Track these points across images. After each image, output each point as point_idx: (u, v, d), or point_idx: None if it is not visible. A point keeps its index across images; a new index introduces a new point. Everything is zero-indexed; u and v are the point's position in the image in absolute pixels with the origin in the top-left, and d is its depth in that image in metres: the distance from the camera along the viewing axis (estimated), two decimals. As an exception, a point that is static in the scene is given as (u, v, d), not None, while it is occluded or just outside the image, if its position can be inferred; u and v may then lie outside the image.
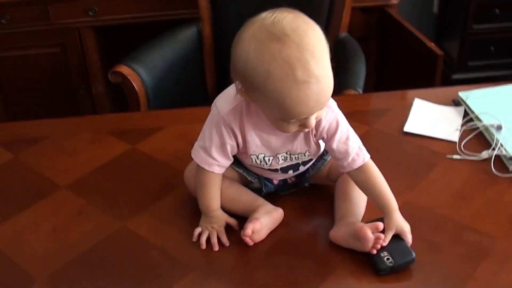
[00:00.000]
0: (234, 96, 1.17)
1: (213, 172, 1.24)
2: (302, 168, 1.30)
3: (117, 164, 1.49)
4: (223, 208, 1.28)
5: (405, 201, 1.32)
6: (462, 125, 1.56)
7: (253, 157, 1.25)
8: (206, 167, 1.23)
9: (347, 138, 1.21)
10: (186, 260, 1.20)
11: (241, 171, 1.32)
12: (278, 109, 1.06)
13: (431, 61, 2.26)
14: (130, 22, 2.59)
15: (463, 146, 1.48)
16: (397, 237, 1.18)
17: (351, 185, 1.27)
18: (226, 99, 1.19)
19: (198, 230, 1.25)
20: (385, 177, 1.34)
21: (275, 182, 1.34)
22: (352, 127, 1.47)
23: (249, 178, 1.32)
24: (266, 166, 1.27)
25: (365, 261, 1.16)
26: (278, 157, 1.24)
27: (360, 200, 1.27)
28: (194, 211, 1.30)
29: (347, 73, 2.04)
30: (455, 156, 1.45)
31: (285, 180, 1.34)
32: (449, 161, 1.45)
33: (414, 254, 1.16)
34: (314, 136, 1.22)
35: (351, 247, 1.19)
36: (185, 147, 1.38)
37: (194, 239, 1.24)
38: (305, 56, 1.00)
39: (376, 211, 1.22)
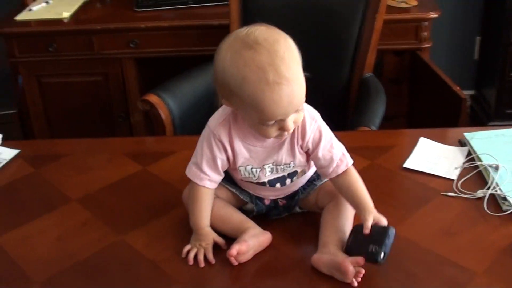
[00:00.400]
0: (222, 112, 1.28)
1: (204, 187, 1.31)
2: (288, 182, 1.35)
3: (126, 183, 1.59)
4: (214, 228, 1.35)
5: (392, 233, 1.35)
6: (464, 165, 1.58)
7: (242, 168, 1.32)
8: (198, 181, 1.31)
9: (331, 146, 1.29)
10: (173, 274, 1.27)
11: (234, 190, 1.39)
12: (256, 112, 1.15)
13: (456, 104, 2.29)
14: (168, 55, 2.72)
15: (460, 184, 1.51)
16: (375, 227, 1.25)
17: (336, 214, 1.32)
18: (216, 117, 1.29)
19: (187, 247, 1.32)
20: (377, 208, 1.39)
21: (267, 202, 1.39)
22: (354, 161, 1.55)
23: (241, 197, 1.39)
24: (254, 179, 1.33)
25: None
26: (265, 169, 1.31)
27: (344, 229, 1.31)
28: (188, 230, 1.37)
29: (365, 111, 2.10)
30: (450, 194, 1.48)
31: (276, 202, 1.40)
32: (443, 198, 1.48)
33: (393, 228, 1.24)
34: (301, 147, 1.29)
35: (331, 275, 1.23)
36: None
37: (183, 255, 1.31)
38: (275, 61, 1.11)
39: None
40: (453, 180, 1.53)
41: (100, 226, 1.43)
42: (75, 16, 2.77)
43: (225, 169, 1.33)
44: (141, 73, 2.81)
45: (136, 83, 2.78)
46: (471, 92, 3.52)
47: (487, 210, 1.42)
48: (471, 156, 1.61)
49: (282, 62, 1.11)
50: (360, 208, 1.28)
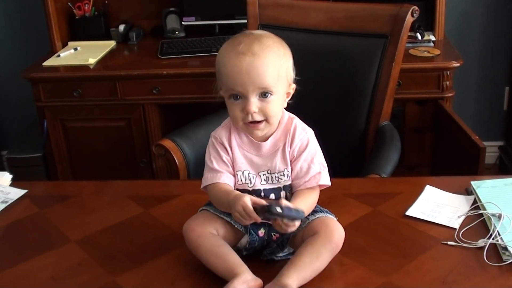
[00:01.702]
0: (224, 122, 1.40)
1: (224, 183, 1.36)
2: (283, 195, 1.37)
3: (126, 225, 1.60)
4: (207, 265, 1.34)
5: (386, 281, 1.33)
6: (467, 213, 1.55)
7: (239, 173, 1.36)
8: (217, 180, 1.36)
9: (312, 160, 1.36)
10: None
11: (229, 220, 1.38)
12: (221, 80, 1.30)
13: (475, 153, 2.26)
14: (191, 102, 2.76)
15: (462, 233, 1.48)
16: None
17: (308, 250, 1.31)
18: (218, 127, 1.41)
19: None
20: (373, 255, 1.39)
21: (260, 234, 1.39)
22: (355, 207, 1.58)
23: (236, 226, 1.38)
24: (250, 186, 1.36)
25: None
26: (261, 176, 1.35)
27: (309, 266, 1.29)
28: (179, 274, 1.38)
29: (377, 158, 2.07)
30: (450, 242, 1.45)
31: (269, 236, 1.39)
32: (443, 247, 1.44)
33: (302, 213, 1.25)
34: (289, 153, 1.34)
35: None
36: (192, 213, 1.46)
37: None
38: (253, 41, 1.27)
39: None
40: (455, 229, 1.50)
41: (94, 267, 1.43)
42: (101, 62, 2.85)
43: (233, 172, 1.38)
44: (164, 119, 2.86)
45: (159, 128, 2.82)
46: (500, 143, 3.46)
47: (487, 260, 1.38)
48: (476, 205, 1.58)
49: (260, 44, 1.27)
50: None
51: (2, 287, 1.38)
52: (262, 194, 1.37)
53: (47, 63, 2.82)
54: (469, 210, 1.57)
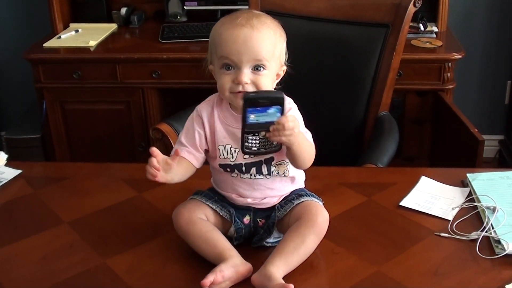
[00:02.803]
0: (210, 96, 1.41)
1: (183, 157, 1.36)
2: (264, 170, 1.36)
3: (119, 208, 1.59)
4: (198, 251, 1.34)
5: (376, 271, 1.33)
6: (461, 205, 1.54)
7: (221, 147, 1.36)
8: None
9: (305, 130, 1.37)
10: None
11: (214, 207, 1.39)
12: (215, 51, 1.31)
13: (473, 146, 2.25)
14: (190, 87, 2.75)
15: (456, 225, 1.47)
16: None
17: (293, 236, 1.31)
18: (203, 101, 1.41)
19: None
20: (365, 245, 1.39)
21: (246, 221, 1.39)
22: (350, 197, 1.59)
23: (221, 214, 1.38)
24: (232, 160, 1.35)
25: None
26: None
27: (295, 252, 1.29)
28: (170, 257, 1.38)
29: (374, 148, 2.07)
30: (443, 234, 1.44)
31: (255, 222, 1.39)
32: (436, 238, 1.44)
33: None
34: None
35: None
36: (185, 198, 1.45)
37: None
38: (251, 16, 1.29)
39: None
40: (449, 220, 1.49)
41: (86, 248, 1.43)
42: (102, 45, 2.84)
43: (203, 149, 1.38)
44: (163, 103, 2.85)
45: (158, 113, 2.82)
46: (500, 137, 3.45)
47: (479, 253, 1.37)
48: (471, 197, 1.57)
49: (257, 19, 1.29)
50: None
51: (-5, 264, 1.39)
52: (243, 168, 1.37)
53: (47, 44, 2.81)
54: (463, 202, 1.56)
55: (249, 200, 1.39)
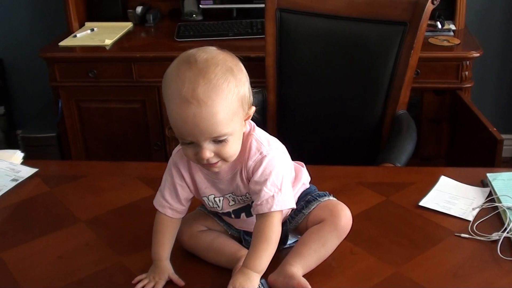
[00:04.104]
0: None
1: (165, 215, 1.31)
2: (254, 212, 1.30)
3: (136, 206, 1.59)
4: (210, 260, 1.33)
5: (395, 272, 1.31)
6: (482, 206, 1.52)
7: (205, 199, 1.30)
8: (160, 209, 1.31)
9: (265, 183, 1.20)
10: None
11: (222, 224, 1.38)
12: (171, 122, 1.15)
13: (493, 145, 2.22)
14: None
15: (476, 226, 1.45)
16: None
17: (313, 238, 1.28)
18: (178, 146, 1.28)
19: (143, 275, 1.29)
20: (384, 245, 1.36)
21: None
22: (368, 196, 1.53)
23: (230, 232, 1.37)
24: (219, 209, 1.31)
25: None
26: (227, 197, 1.28)
27: (314, 254, 1.27)
28: (187, 257, 1.37)
29: (392, 148, 2.05)
30: (463, 235, 1.42)
31: None
32: (456, 239, 1.42)
33: None
34: (245, 177, 1.24)
35: None
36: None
37: (133, 282, 1.28)
38: (198, 80, 1.10)
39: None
40: (469, 221, 1.47)
41: (102, 247, 1.43)
42: (118, 43, 2.83)
43: (189, 199, 1.32)
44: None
45: (173, 112, 2.80)
46: (519, 136, 3.41)
47: (501, 254, 1.35)
48: (491, 197, 1.55)
49: (205, 83, 1.10)
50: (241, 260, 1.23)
51: (10, 264, 1.38)
52: (233, 216, 1.32)
53: (63, 43, 2.81)
54: (484, 203, 1.54)
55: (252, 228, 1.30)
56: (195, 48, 1.17)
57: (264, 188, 1.20)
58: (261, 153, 1.21)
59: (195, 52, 1.15)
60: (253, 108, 1.21)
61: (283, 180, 1.22)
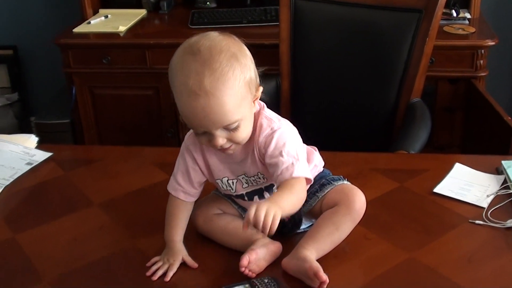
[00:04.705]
0: None
1: (178, 198, 1.31)
2: (266, 195, 1.31)
3: (150, 190, 1.59)
4: (224, 243, 1.34)
5: (409, 257, 1.31)
6: (496, 193, 1.51)
7: (219, 181, 1.31)
8: (172, 192, 1.32)
9: (281, 153, 1.20)
10: (180, 283, 1.26)
11: (236, 208, 1.38)
12: (181, 114, 1.16)
13: (507, 134, 2.21)
14: (220, 73, 2.73)
15: (490, 213, 1.44)
16: None
17: (327, 223, 1.28)
18: (190, 131, 1.29)
19: (157, 258, 1.30)
20: (397, 231, 1.37)
21: None
22: (382, 182, 1.53)
23: (243, 216, 1.37)
24: (233, 192, 1.31)
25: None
26: (241, 180, 1.29)
27: (328, 238, 1.27)
28: (201, 240, 1.37)
29: (407, 135, 2.04)
30: (478, 221, 1.42)
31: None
32: (470, 226, 1.41)
33: None
34: (258, 154, 1.24)
35: (300, 278, 1.22)
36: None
37: (148, 265, 1.29)
38: (204, 71, 1.10)
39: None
40: (483, 208, 1.47)
41: (116, 230, 1.44)
42: (131, 30, 2.83)
43: (202, 182, 1.32)
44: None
45: (187, 99, 2.80)
46: (533, 126, 3.38)
47: (515, 241, 1.34)
48: (506, 185, 1.54)
49: (210, 74, 1.10)
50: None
51: (25, 246, 1.39)
52: (246, 198, 1.33)
53: (77, 29, 2.82)
54: (498, 190, 1.53)
55: None
56: (197, 35, 1.17)
57: (281, 158, 1.20)
58: (271, 128, 1.22)
59: (198, 40, 1.15)
60: (261, 89, 1.22)
61: (297, 150, 1.22)
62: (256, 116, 1.23)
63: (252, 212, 1.09)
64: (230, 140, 1.18)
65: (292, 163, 1.20)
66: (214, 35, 1.16)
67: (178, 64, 1.14)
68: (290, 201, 1.16)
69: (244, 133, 1.19)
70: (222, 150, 1.21)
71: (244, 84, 1.14)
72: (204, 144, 1.22)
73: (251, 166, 1.26)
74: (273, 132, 1.22)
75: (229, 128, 1.16)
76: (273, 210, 1.09)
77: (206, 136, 1.17)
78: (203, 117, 1.12)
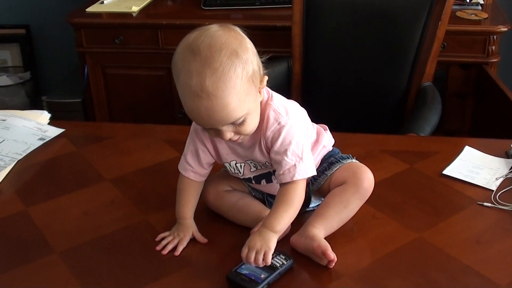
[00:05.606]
0: None
1: (188, 178, 1.33)
2: (274, 179, 1.31)
3: (160, 167, 1.61)
4: (234, 220, 1.35)
5: (418, 237, 1.32)
6: (506, 176, 1.52)
7: (227, 165, 1.32)
8: (183, 172, 1.33)
9: (286, 152, 1.21)
10: (189, 257, 1.28)
11: (246, 185, 1.39)
12: (186, 112, 1.16)
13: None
14: (231, 54, 2.73)
15: (499, 195, 1.45)
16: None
17: (336, 200, 1.29)
18: None
19: (166, 233, 1.32)
20: (406, 211, 1.38)
21: None
22: (392, 164, 1.53)
23: (253, 194, 1.39)
24: (240, 175, 1.33)
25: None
26: (249, 163, 1.30)
27: (336, 217, 1.28)
28: (211, 216, 1.39)
29: (417, 118, 2.05)
30: (486, 204, 1.42)
31: None
32: (478, 208, 1.42)
33: (260, 286, 1.16)
34: (264, 146, 1.25)
35: (308, 256, 1.24)
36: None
37: (157, 239, 1.31)
38: (205, 71, 1.08)
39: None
40: (492, 190, 1.47)
41: (127, 205, 1.45)
42: (144, 10, 2.83)
43: (211, 163, 1.34)
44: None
45: (198, 80, 2.80)
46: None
47: (523, 223, 1.35)
48: (515, 168, 1.54)
49: (211, 74, 1.08)
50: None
51: (36, 219, 1.41)
52: (253, 181, 1.34)
53: (90, 9, 2.82)
54: (508, 173, 1.53)
55: (274, 191, 1.31)
56: (197, 31, 1.15)
57: (285, 158, 1.20)
58: (279, 123, 1.21)
59: (197, 37, 1.12)
60: (266, 78, 1.20)
61: (303, 148, 1.22)
62: (264, 107, 1.22)
63: (244, 252, 1.17)
64: (237, 133, 1.18)
65: (295, 165, 1.20)
66: (213, 30, 1.13)
67: (179, 62, 1.14)
68: (286, 218, 1.21)
69: (251, 126, 1.19)
70: (231, 141, 1.22)
71: (247, 80, 1.12)
72: (213, 136, 1.24)
73: (259, 155, 1.27)
74: (280, 128, 1.21)
75: (236, 123, 1.16)
76: (263, 249, 1.16)
77: (213, 130, 1.18)
78: (207, 117, 1.12)
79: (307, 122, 1.34)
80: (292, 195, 1.22)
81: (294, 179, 1.21)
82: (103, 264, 1.27)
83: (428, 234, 1.33)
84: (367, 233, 1.34)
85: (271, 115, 1.22)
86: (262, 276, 1.17)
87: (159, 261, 1.26)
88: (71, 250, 1.30)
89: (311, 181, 1.35)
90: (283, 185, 1.23)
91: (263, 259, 1.16)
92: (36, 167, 1.63)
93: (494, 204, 1.42)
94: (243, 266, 1.19)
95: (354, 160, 1.37)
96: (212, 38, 1.11)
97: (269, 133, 1.22)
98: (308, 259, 1.24)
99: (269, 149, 1.24)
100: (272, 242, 1.18)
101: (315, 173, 1.26)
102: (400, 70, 2.27)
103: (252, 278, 1.16)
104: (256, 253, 1.16)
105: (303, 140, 1.23)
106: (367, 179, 1.30)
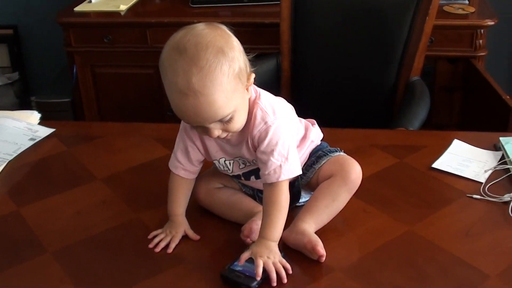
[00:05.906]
0: None
1: (178, 175, 1.34)
2: None
3: (151, 165, 1.61)
4: (226, 216, 1.36)
5: (408, 230, 1.33)
6: (495, 168, 1.53)
7: (216, 162, 1.33)
8: (173, 170, 1.34)
9: (272, 152, 1.21)
10: (182, 254, 1.29)
11: (237, 182, 1.40)
12: (173, 110, 1.16)
13: (505, 113, 2.22)
14: (220, 52, 2.74)
15: (488, 188, 1.46)
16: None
17: (324, 194, 1.30)
18: None
19: (158, 231, 1.33)
20: (396, 205, 1.38)
21: None
22: (381, 158, 1.53)
23: (244, 190, 1.39)
24: (229, 172, 1.33)
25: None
26: (238, 161, 1.31)
27: (325, 210, 1.29)
28: (202, 213, 1.39)
29: (406, 113, 2.06)
30: (475, 196, 1.44)
31: None
32: (468, 200, 1.43)
33: (255, 282, 1.16)
34: (251, 145, 1.25)
35: (300, 251, 1.25)
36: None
37: (150, 237, 1.32)
38: (192, 69, 1.08)
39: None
40: (481, 183, 1.49)
41: (119, 204, 1.46)
42: (132, 9, 2.83)
43: (201, 160, 1.34)
44: (192, 68, 2.84)
45: (187, 78, 2.81)
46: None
47: (512, 215, 1.36)
48: (503, 160, 1.56)
49: (197, 72, 1.08)
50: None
51: (29, 219, 1.41)
52: (242, 178, 1.34)
53: (78, 8, 2.82)
54: (496, 165, 1.55)
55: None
56: (183, 30, 1.15)
57: (271, 158, 1.21)
58: (266, 123, 1.21)
59: (183, 35, 1.12)
60: (253, 76, 1.20)
61: (289, 148, 1.22)
62: (252, 105, 1.22)
63: (260, 270, 1.16)
64: (225, 130, 1.18)
65: (280, 165, 1.21)
66: (199, 29, 1.13)
67: (166, 61, 1.13)
68: (280, 223, 1.22)
69: (238, 123, 1.19)
70: (219, 138, 1.23)
71: (233, 78, 1.12)
72: (201, 134, 1.25)
73: (246, 153, 1.27)
74: (267, 128, 1.21)
75: (223, 121, 1.16)
76: (276, 259, 1.20)
77: (201, 128, 1.18)
78: (194, 115, 1.12)
79: (294, 118, 1.35)
80: (280, 198, 1.22)
81: (280, 179, 1.21)
82: (96, 262, 1.27)
83: (418, 227, 1.34)
84: (357, 227, 1.35)
85: (258, 114, 1.22)
86: None
87: (152, 259, 1.27)
88: (64, 250, 1.31)
89: (299, 176, 1.36)
90: (268, 185, 1.23)
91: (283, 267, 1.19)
92: (27, 168, 1.63)
93: (483, 196, 1.43)
94: (236, 263, 1.20)
95: (341, 153, 1.38)
96: (198, 36, 1.12)
97: (256, 132, 1.22)
98: (299, 254, 1.25)
99: (256, 148, 1.24)
100: (276, 249, 1.21)
101: (301, 172, 1.27)
102: (388, 65, 2.28)
103: (247, 274, 1.17)
104: (275, 266, 1.18)
105: (289, 140, 1.24)
106: (355, 171, 1.31)
